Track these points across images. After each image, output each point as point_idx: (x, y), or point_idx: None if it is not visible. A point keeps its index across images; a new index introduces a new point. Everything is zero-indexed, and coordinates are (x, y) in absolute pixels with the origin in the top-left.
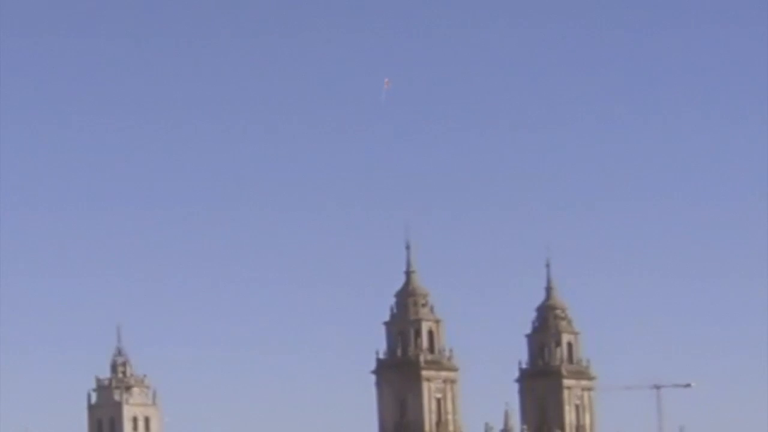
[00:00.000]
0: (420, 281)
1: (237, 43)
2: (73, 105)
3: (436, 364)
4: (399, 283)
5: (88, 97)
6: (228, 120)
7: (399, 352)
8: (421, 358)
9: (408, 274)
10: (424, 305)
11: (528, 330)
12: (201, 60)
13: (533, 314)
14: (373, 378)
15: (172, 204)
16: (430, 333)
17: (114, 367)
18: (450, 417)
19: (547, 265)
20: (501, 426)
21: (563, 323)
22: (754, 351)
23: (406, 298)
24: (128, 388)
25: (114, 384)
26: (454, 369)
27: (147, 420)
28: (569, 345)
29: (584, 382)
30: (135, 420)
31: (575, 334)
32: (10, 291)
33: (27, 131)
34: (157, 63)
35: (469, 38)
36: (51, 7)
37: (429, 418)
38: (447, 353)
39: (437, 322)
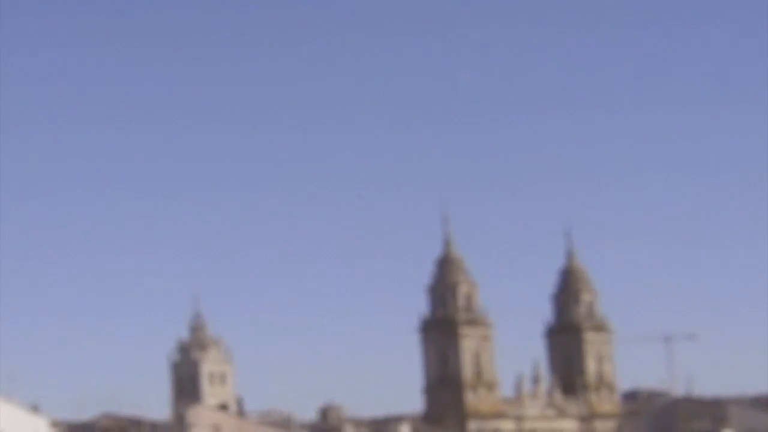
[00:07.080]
0: (457, 249)
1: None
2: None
3: (473, 323)
4: (438, 251)
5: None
6: (282, 108)
7: (440, 313)
8: (459, 318)
9: (446, 243)
10: (461, 270)
11: (552, 290)
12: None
13: (557, 277)
14: (418, 336)
15: (241, 183)
16: (467, 295)
17: (193, 330)
18: (486, 369)
19: (569, 234)
20: (531, 376)
21: (583, 284)
22: (757, 304)
23: (445, 265)
24: (205, 348)
25: (193, 344)
26: (488, 326)
27: (222, 376)
28: (589, 303)
29: (603, 336)
30: (211, 376)
31: (594, 292)
32: (105, 264)
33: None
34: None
35: (498, 33)
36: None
37: (467, 371)
38: (482, 313)
39: (473, 285)
